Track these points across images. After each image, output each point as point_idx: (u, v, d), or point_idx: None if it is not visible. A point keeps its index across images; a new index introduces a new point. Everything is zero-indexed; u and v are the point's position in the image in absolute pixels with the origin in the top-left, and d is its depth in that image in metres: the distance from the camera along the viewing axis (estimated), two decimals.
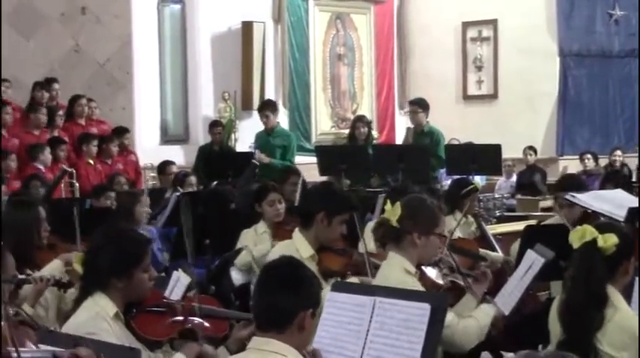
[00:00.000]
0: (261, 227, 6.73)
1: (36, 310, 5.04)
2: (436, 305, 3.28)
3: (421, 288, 4.24)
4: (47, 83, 11.29)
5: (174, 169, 10.29)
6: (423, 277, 4.49)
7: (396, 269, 4.31)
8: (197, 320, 3.97)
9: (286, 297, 3.18)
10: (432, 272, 4.64)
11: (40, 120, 10.50)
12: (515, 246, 6.18)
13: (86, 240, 5.28)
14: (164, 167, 10.35)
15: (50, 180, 9.41)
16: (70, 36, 12.45)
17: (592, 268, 3.81)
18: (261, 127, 12.09)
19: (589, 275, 3.80)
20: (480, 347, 4.90)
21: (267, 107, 11.79)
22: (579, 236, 3.86)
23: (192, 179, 9.55)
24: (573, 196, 5.37)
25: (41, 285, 4.95)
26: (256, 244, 6.62)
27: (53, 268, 5.13)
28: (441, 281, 4.66)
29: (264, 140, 11.63)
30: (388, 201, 4.56)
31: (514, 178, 14.10)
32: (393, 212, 4.36)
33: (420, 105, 11.27)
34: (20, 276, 4.75)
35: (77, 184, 9.84)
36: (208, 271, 6.66)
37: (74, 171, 9.91)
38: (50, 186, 8.89)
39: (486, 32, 16.14)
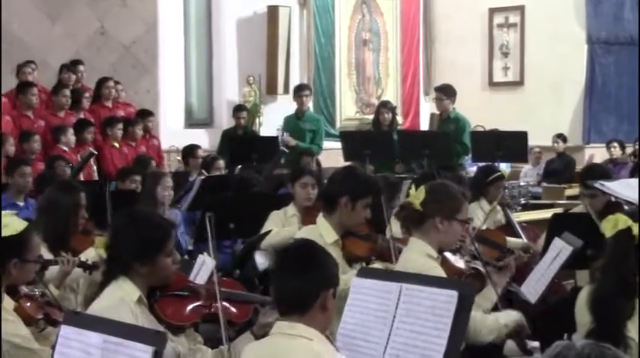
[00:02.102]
0: (291, 210, 6.68)
1: (66, 293, 5.06)
2: (464, 292, 3.25)
3: (442, 273, 4.22)
4: (73, 65, 11.32)
5: (201, 153, 10.27)
6: (445, 262, 4.48)
7: (417, 253, 4.31)
8: (220, 305, 3.95)
9: (306, 279, 3.16)
10: (453, 257, 4.62)
11: (62, 102, 10.48)
12: None
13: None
14: (191, 151, 10.32)
15: (74, 162, 9.43)
16: (96, 18, 12.46)
17: (625, 256, 3.77)
18: (285, 111, 12.11)
19: (622, 263, 3.77)
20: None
21: (306, 88, 11.95)
22: (612, 224, 3.82)
23: (221, 163, 9.55)
24: (602, 184, 5.32)
25: (67, 267, 4.97)
26: (284, 226, 6.59)
27: (88, 256, 5.15)
28: (463, 266, 4.64)
29: (294, 124, 11.67)
30: (413, 186, 4.56)
31: (542, 166, 14.01)
32: (416, 195, 4.38)
33: (444, 92, 11.19)
34: (46, 258, 4.77)
35: (95, 167, 9.85)
36: (233, 255, 6.65)
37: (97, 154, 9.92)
38: (76, 167, 8.89)
39: (513, 18, 16.04)
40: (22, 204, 7.62)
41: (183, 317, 3.86)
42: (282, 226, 6.54)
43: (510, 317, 4.36)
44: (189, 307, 3.91)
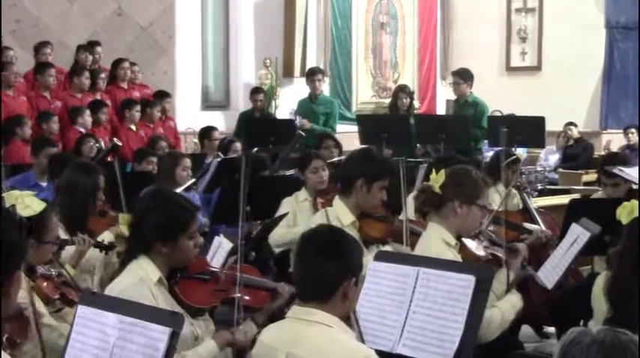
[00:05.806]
0: (302, 194, 6.67)
1: (82, 275, 5.08)
2: (481, 276, 3.24)
3: (461, 261, 4.19)
4: (90, 46, 11.31)
5: (217, 135, 10.24)
6: (463, 249, 4.44)
7: (435, 241, 4.28)
8: (239, 292, 3.95)
9: (330, 266, 3.11)
10: (472, 244, 4.59)
11: (84, 84, 10.51)
12: None
13: (130, 204, 5.31)
14: (208, 132, 10.29)
15: None
16: None
17: None
18: (302, 94, 12.08)
19: (639, 250, 3.73)
20: (521, 321, 4.86)
21: (319, 72, 11.98)
22: (628, 211, 3.80)
23: (238, 145, 9.52)
24: (621, 170, 5.28)
25: (82, 246, 4.98)
26: (296, 212, 6.58)
27: (105, 237, 5.16)
28: (481, 253, 4.61)
29: (308, 107, 11.67)
30: (434, 170, 4.53)
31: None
32: (436, 179, 4.35)
33: (461, 76, 11.15)
34: (63, 238, 4.78)
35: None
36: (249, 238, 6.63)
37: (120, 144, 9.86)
38: (99, 157, 8.83)
39: (531, 3, 15.94)
40: (44, 184, 7.59)
41: (203, 300, 3.86)
42: (293, 212, 6.53)
43: (514, 307, 4.23)
44: (209, 291, 3.91)
